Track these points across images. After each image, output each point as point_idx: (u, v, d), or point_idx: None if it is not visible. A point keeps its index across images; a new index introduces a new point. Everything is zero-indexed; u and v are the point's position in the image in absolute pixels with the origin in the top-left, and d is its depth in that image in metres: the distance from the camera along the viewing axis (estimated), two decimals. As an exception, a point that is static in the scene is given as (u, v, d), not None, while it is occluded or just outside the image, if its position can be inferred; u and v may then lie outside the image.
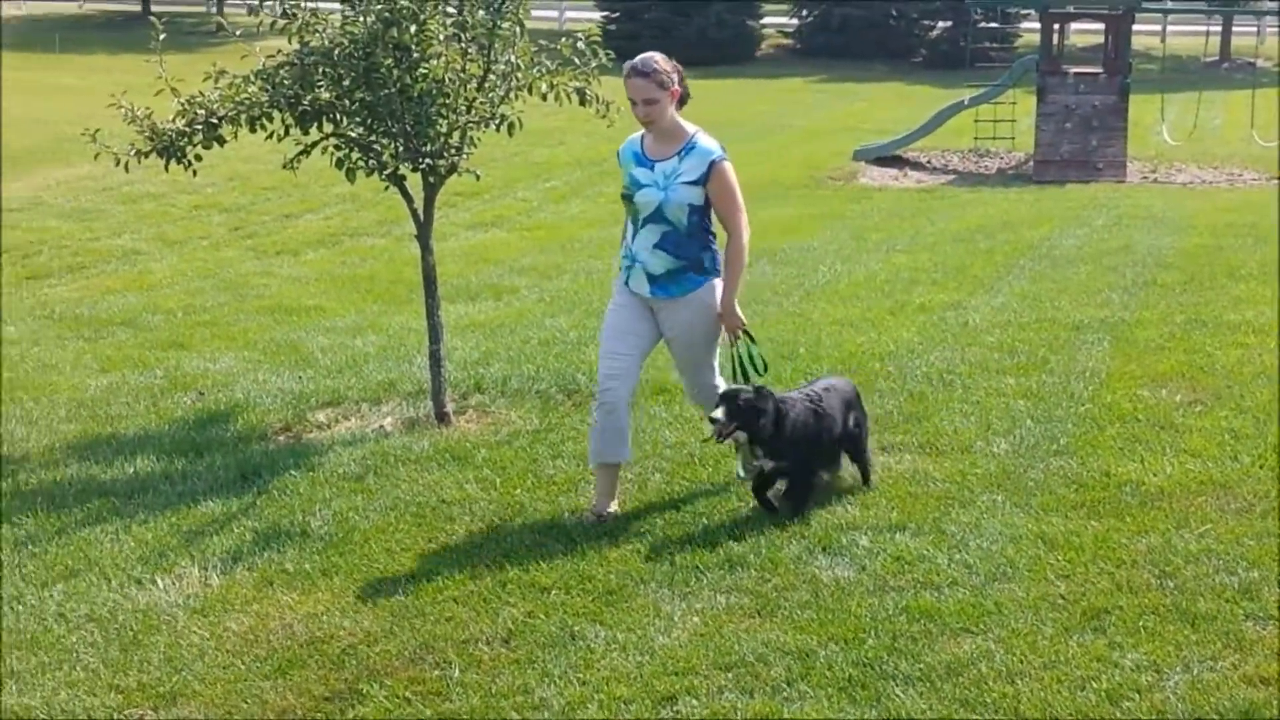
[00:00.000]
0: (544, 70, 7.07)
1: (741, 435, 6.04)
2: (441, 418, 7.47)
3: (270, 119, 6.79)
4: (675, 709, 4.52)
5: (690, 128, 6.06)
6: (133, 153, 6.81)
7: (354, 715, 4.50)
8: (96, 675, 4.81)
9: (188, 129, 6.69)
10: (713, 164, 5.95)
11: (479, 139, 7.24)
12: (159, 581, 5.57)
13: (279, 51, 6.95)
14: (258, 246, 13.22)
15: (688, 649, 4.90)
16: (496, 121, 7.05)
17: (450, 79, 6.81)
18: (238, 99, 6.69)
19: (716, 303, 6.07)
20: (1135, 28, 21.25)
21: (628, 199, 6.09)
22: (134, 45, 30.99)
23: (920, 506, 6.13)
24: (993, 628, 4.98)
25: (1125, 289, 10.43)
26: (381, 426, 7.52)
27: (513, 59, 6.90)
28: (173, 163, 6.88)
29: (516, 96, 7.10)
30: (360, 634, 5.08)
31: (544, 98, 7.33)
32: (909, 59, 37.45)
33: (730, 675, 4.71)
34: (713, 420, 6.00)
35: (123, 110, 6.77)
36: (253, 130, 6.83)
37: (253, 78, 6.78)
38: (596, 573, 5.49)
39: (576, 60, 7.18)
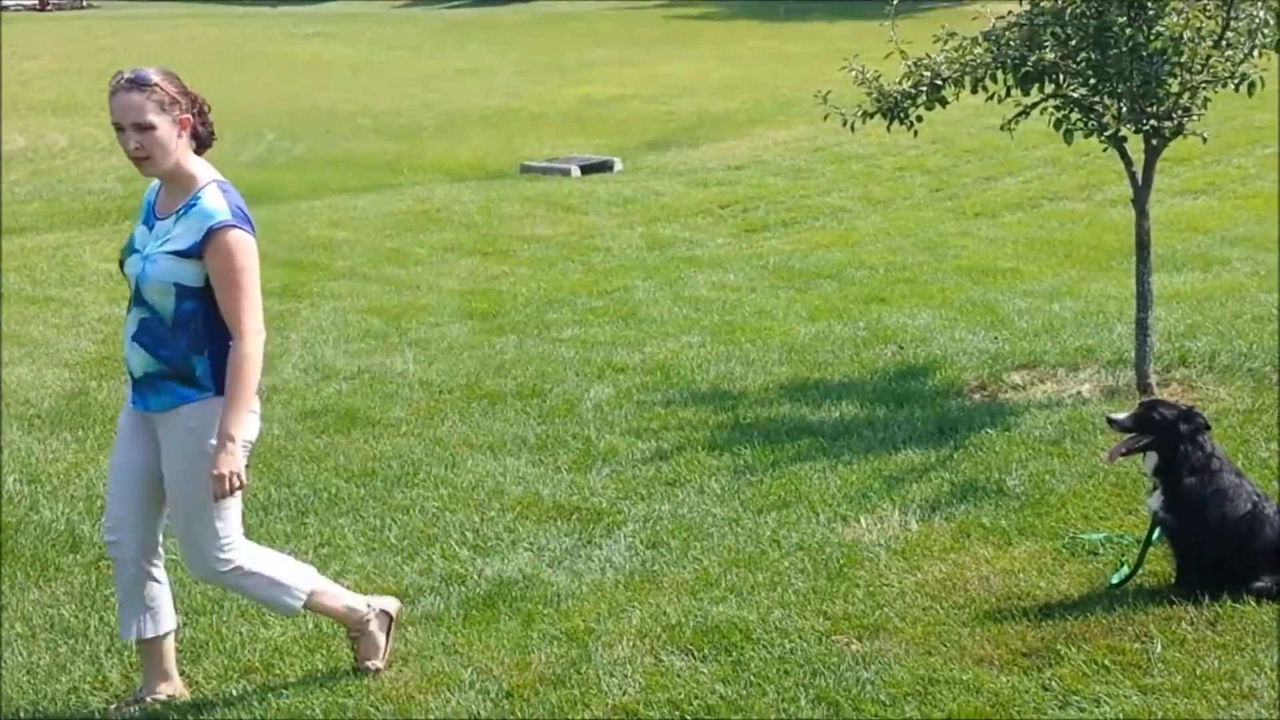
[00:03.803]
0: (1296, 26, 6.59)
1: (1150, 459, 5.01)
2: (1144, 388, 7.23)
3: (994, 80, 6.86)
4: None
5: (205, 175, 4.40)
6: (859, 113, 7.14)
7: (1051, 674, 4.52)
8: (806, 600, 5.17)
9: (913, 90, 6.91)
10: (210, 231, 4.25)
11: (1210, 99, 6.89)
12: (862, 520, 5.88)
13: (1009, 13, 7.00)
14: (957, 208, 13.39)
15: None
16: (1236, 81, 6.66)
17: (1188, 36, 6.53)
18: (963, 60, 6.83)
19: (215, 433, 4.31)
20: None
21: (121, 265, 4.52)
22: (851, 13, 32.44)
23: None
24: None
25: None
26: (1079, 392, 7.43)
27: (1259, 14, 6.48)
28: (894, 124, 7.14)
29: (1260, 54, 6.67)
30: (1057, 596, 5.08)
31: (1285, 56, 6.84)
32: None
33: None
34: (1111, 422, 5.11)
35: (854, 73, 7.12)
36: (974, 91, 6.94)
37: (980, 39, 6.88)
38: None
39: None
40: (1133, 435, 5.09)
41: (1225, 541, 4.93)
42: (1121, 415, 5.18)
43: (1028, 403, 7.31)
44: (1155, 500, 5.07)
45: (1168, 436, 5.01)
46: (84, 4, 58.34)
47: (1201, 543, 4.97)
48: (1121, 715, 4.27)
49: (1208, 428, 5.08)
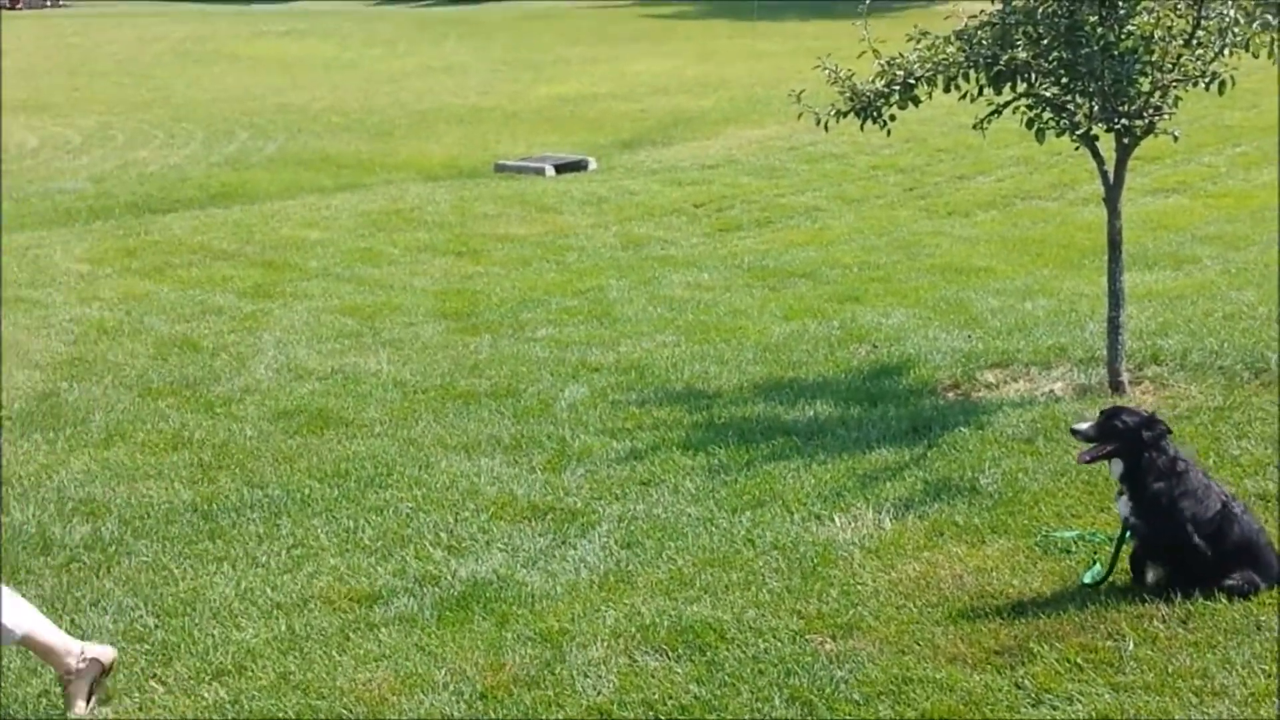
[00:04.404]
0: (1266, 24, 6.62)
1: (1117, 465, 5.05)
2: (1116, 386, 7.27)
3: (966, 79, 6.88)
4: (1377, 720, 4.16)
5: None
6: (832, 112, 7.15)
7: (1024, 672, 4.54)
8: (780, 599, 5.18)
9: (886, 89, 6.93)
10: None
11: (1181, 98, 6.92)
12: (836, 519, 5.89)
13: (981, 12, 7.03)
14: (930, 207, 13.41)
15: (1393, 658, 4.48)
16: (1207, 80, 6.69)
17: (1159, 35, 6.56)
18: (936, 59, 6.85)
19: None
20: None
21: None
22: (823, 11, 32.49)
23: None
24: None
25: None
26: (1052, 391, 7.46)
27: (1229, 13, 6.52)
28: (867, 123, 7.15)
29: (1231, 54, 6.70)
30: (1030, 594, 5.11)
31: (1255, 55, 6.87)
32: None
33: None
34: (1075, 432, 5.15)
35: (827, 72, 7.12)
36: (947, 90, 6.96)
37: (952, 38, 6.90)
38: (1286, 564, 5.13)
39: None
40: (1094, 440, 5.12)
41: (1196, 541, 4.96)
42: (1084, 425, 5.20)
43: (1001, 401, 7.34)
44: (1124, 506, 5.09)
45: (1131, 444, 5.04)
46: (52, 2, 57.86)
47: (1173, 544, 4.99)
48: (1094, 713, 4.29)
49: (1169, 432, 5.10)
